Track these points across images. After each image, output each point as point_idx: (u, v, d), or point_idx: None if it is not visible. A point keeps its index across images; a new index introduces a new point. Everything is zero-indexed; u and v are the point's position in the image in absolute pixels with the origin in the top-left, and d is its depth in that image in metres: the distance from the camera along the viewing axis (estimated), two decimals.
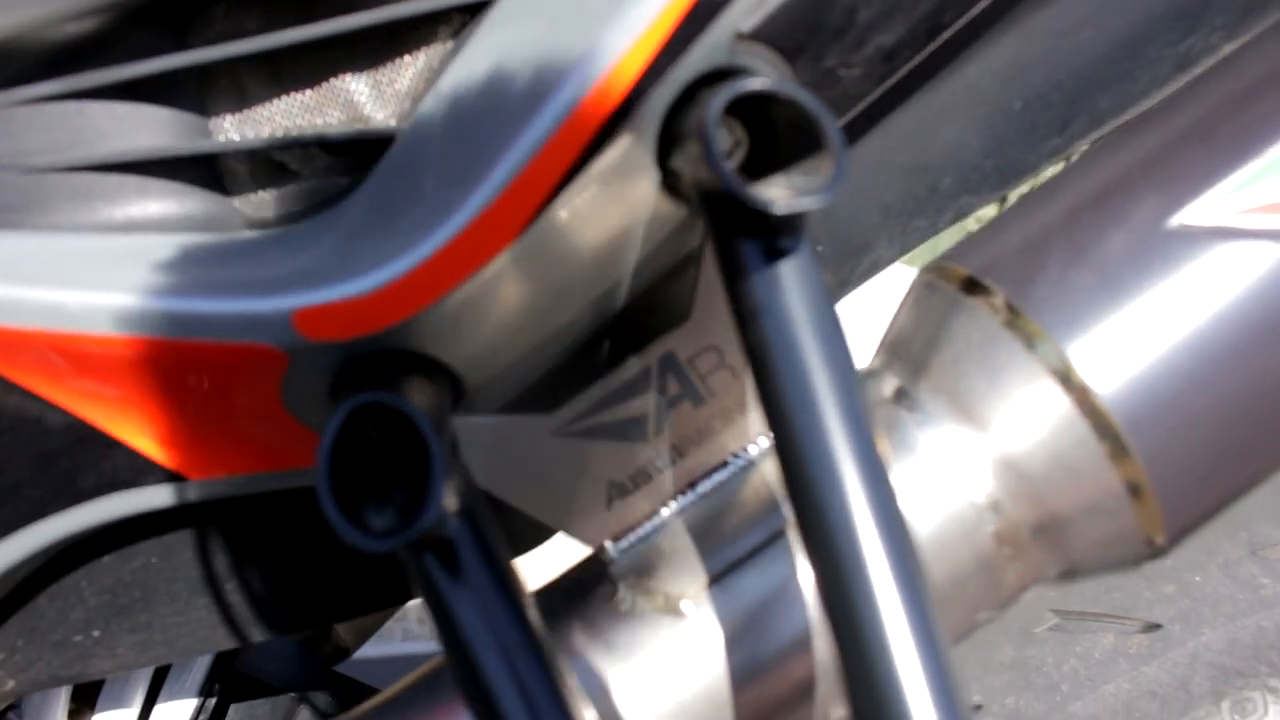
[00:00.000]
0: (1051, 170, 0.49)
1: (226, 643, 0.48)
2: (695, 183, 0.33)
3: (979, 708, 0.65)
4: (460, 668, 0.33)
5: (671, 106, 0.33)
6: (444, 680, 0.42)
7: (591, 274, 0.38)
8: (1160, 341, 0.39)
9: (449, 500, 0.31)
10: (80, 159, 0.39)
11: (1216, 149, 0.41)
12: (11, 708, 0.61)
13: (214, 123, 0.41)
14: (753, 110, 0.33)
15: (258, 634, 0.48)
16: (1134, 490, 0.39)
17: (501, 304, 0.36)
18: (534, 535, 0.50)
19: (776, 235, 0.31)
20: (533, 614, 0.34)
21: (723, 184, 0.29)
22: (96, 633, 0.47)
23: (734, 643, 0.39)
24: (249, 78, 0.41)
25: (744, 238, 0.32)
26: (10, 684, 0.48)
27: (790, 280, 0.32)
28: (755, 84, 0.30)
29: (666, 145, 0.34)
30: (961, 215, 0.47)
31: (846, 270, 0.46)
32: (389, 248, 0.34)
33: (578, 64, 0.32)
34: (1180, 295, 0.39)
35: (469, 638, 0.33)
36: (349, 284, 0.34)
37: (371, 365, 0.35)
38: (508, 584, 0.33)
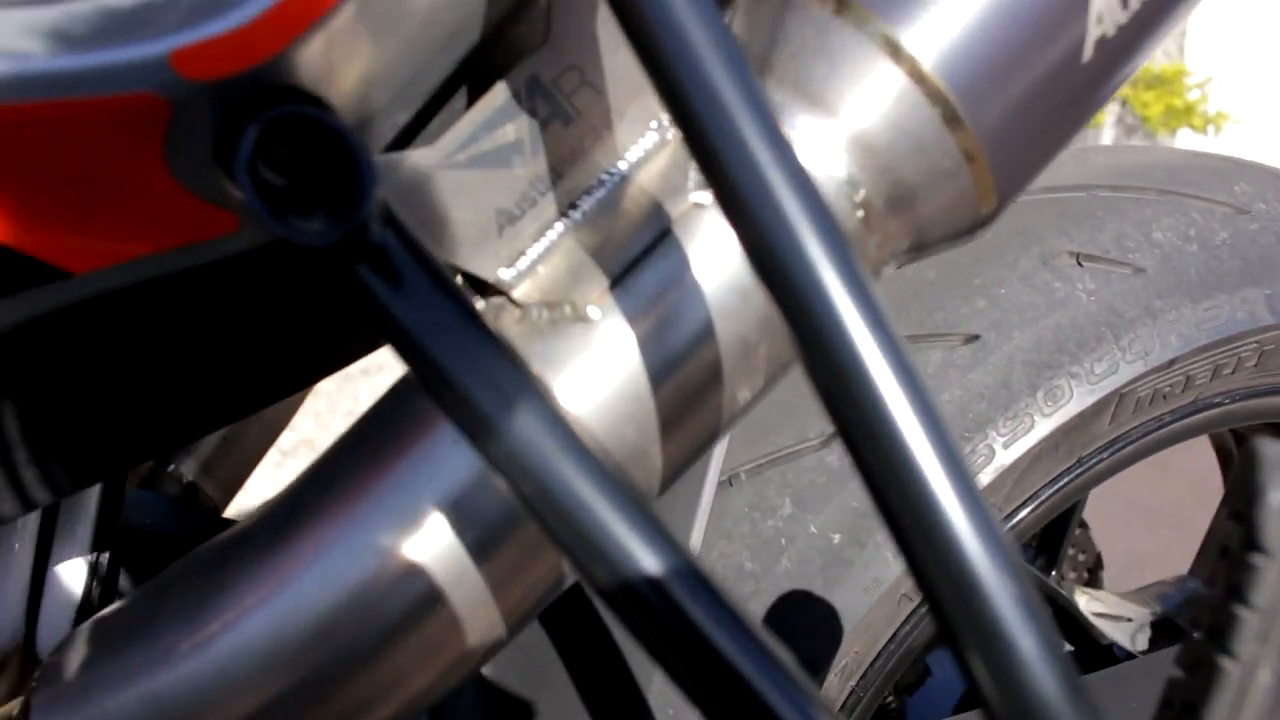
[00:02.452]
0: None
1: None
2: None
3: (834, 436, 0.71)
4: (427, 374, 0.35)
5: None
6: (408, 401, 0.43)
7: (448, 1, 0.39)
8: (975, 14, 0.43)
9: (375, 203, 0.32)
10: None
11: None
12: None
13: None
14: None
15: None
16: (968, 155, 0.44)
17: (370, 34, 0.37)
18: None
19: None
20: (481, 320, 0.36)
21: None
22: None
23: (644, 337, 0.42)
24: None
25: None
26: None
27: None
28: None
29: None
30: None
31: None
32: None
33: None
34: None
35: (427, 341, 0.34)
36: (225, 18, 0.34)
37: (253, 105, 0.35)
38: (448, 284, 0.35)
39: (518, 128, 0.41)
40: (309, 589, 0.42)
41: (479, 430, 0.36)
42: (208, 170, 0.38)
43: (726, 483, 0.72)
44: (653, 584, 0.36)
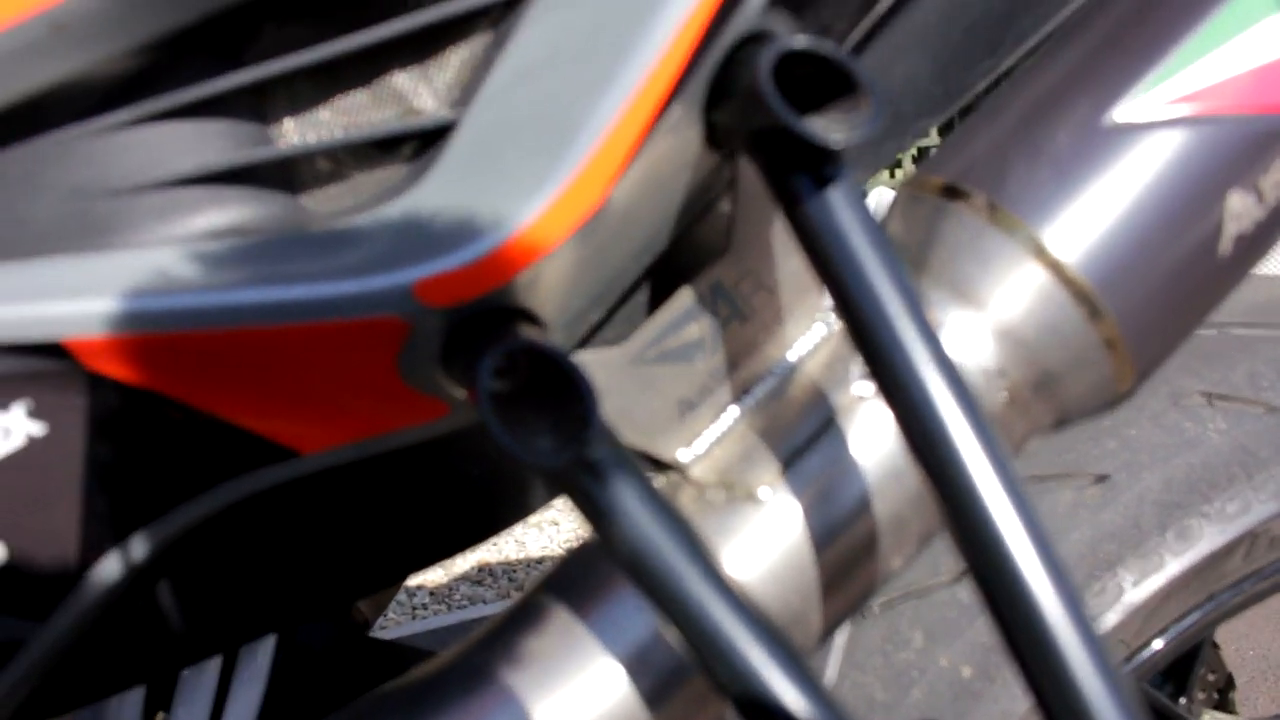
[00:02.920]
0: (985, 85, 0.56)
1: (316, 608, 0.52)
2: (744, 129, 0.39)
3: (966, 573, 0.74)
4: (619, 550, 0.39)
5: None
6: (592, 563, 0.48)
7: (646, 221, 0.44)
8: (1116, 218, 0.47)
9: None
10: (158, 178, 0.43)
11: (1130, 53, 0.49)
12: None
13: (275, 129, 0.45)
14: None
15: (340, 596, 0.53)
16: (1109, 344, 0.48)
17: (585, 257, 0.42)
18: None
19: (823, 166, 0.38)
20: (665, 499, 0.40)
21: (784, 125, 0.36)
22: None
23: (808, 515, 0.46)
24: (303, 86, 0.45)
25: (798, 172, 0.38)
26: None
27: (839, 201, 0.38)
28: (798, 42, 0.36)
29: (710, 102, 0.41)
30: (920, 136, 0.54)
31: None
32: (493, 214, 0.40)
33: (643, 37, 0.38)
34: (1125, 179, 0.47)
35: (636, 541, 0.39)
36: (461, 252, 0.39)
37: (478, 324, 0.41)
38: (655, 492, 0.39)
39: (700, 327, 0.46)
40: None
41: (658, 594, 0.40)
42: (434, 372, 0.43)
43: (860, 616, 0.74)
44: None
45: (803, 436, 0.46)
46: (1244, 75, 0.48)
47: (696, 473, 0.47)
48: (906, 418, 0.41)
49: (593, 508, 0.38)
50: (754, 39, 0.39)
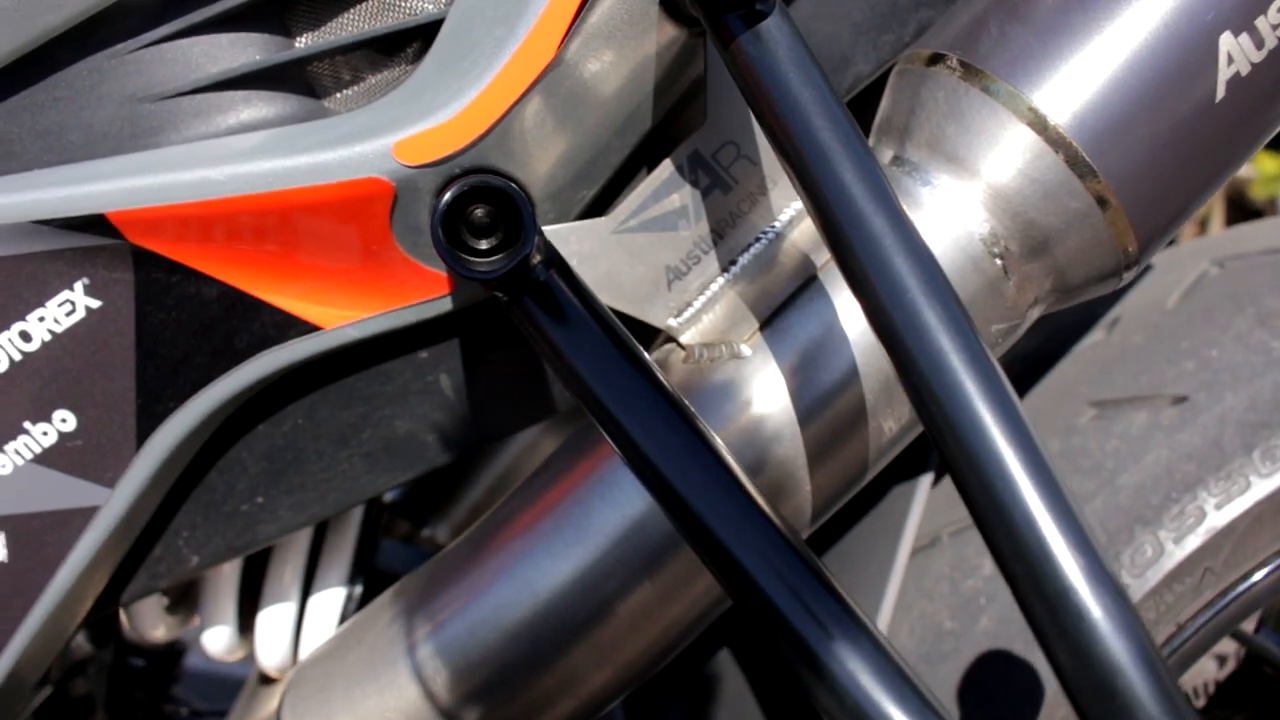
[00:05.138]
0: None
1: (370, 489, 0.56)
2: None
3: None
4: (592, 407, 0.42)
5: None
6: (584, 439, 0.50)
7: (621, 93, 0.47)
8: (1096, 66, 0.46)
9: (537, 246, 0.39)
10: (196, 82, 0.49)
11: None
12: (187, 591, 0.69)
13: (299, 41, 0.51)
14: None
15: (399, 471, 0.56)
16: (1101, 201, 0.47)
17: (554, 121, 0.45)
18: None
19: (753, 1, 0.40)
20: (631, 341, 0.42)
21: None
22: (260, 499, 0.56)
23: (791, 370, 0.47)
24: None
25: (729, 13, 0.40)
26: (194, 560, 0.57)
27: (773, 36, 0.40)
28: None
29: None
30: (923, 27, 0.55)
31: (834, 85, 0.54)
32: (460, 83, 0.43)
33: None
34: (1106, 27, 0.46)
35: (585, 371, 0.41)
36: (434, 115, 0.43)
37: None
38: (606, 319, 0.41)
39: (682, 196, 0.48)
40: (499, 597, 0.49)
41: (637, 461, 0.42)
42: (426, 239, 0.47)
43: (929, 544, 0.73)
44: (788, 598, 0.41)
45: (782, 296, 0.48)
46: None
47: (686, 337, 0.49)
48: (869, 303, 0.40)
49: (540, 335, 0.41)
50: None
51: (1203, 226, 2.38)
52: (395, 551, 0.79)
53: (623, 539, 0.47)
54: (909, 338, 0.39)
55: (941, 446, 0.38)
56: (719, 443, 0.41)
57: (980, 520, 0.37)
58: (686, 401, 0.43)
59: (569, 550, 0.48)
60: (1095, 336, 0.80)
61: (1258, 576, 0.74)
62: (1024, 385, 0.80)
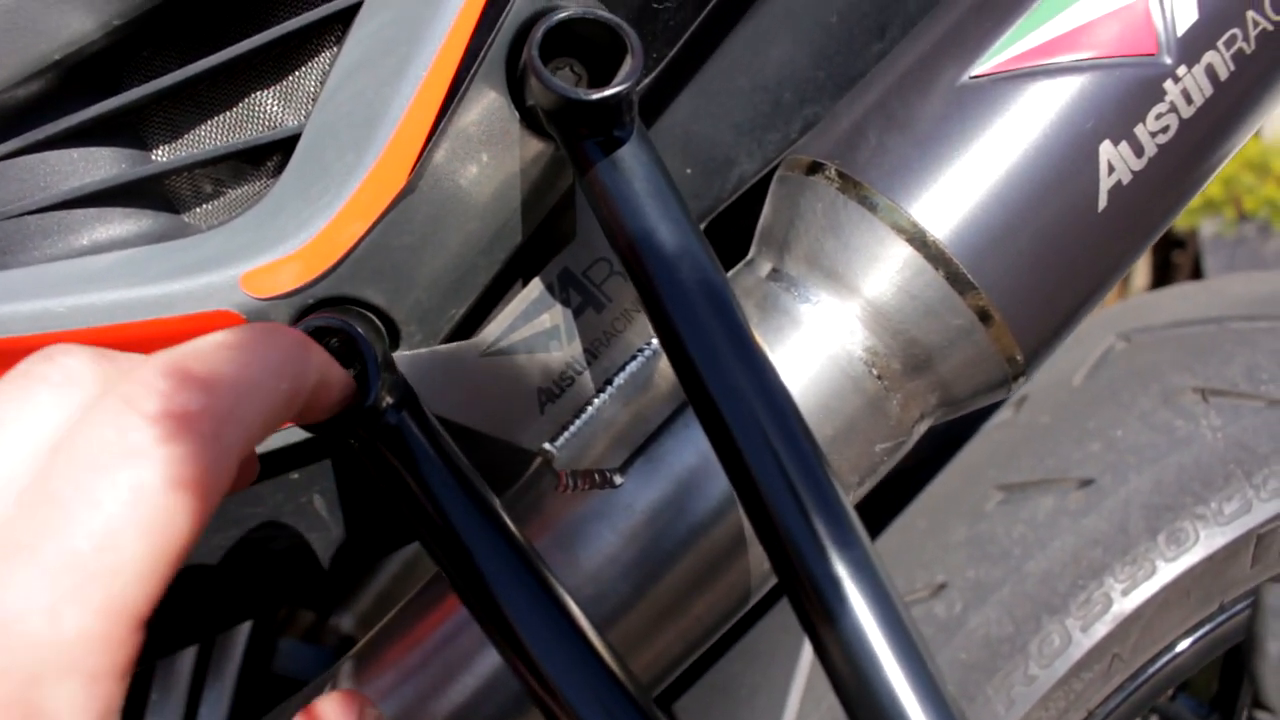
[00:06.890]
0: None
1: (246, 613, 0.54)
2: (546, 111, 0.40)
3: (944, 586, 0.71)
4: (430, 547, 0.40)
5: (510, 51, 0.40)
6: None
7: (486, 211, 0.45)
8: (974, 177, 0.45)
9: (387, 391, 0.38)
10: (43, 200, 0.46)
11: (990, 16, 0.48)
12: None
13: (155, 154, 0.48)
14: (581, 46, 0.40)
15: (276, 595, 0.54)
16: (984, 316, 0.46)
17: (414, 244, 0.43)
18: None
19: (610, 128, 0.38)
20: (482, 486, 0.40)
21: (555, 91, 0.37)
22: None
23: (666, 501, 0.45)
24: (175, 110, 0.48)
25: (585, 139, 0.39)
26: None
27: (628, 165, 0.39)
28: (563, 13, 0.37)
29: (520, 90, 0.42)
30: (810, 124, 0.54)
31: (716, 187, 0.53)
32: (312, 209, 0.41)
33: (425, 35, 0.39)
34: (983, 137, 0.45)
35: (430, 522, 0.39)
36: (285, 244, 0.41)
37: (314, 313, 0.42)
38: (455, 462, 0.39)
39: (553, 316, 0.47)
40: None
41: (481, 614, 0.40)
42: None
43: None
44: None
45: (657, 420, 0.46)
46: (1103, 18, 0.46)
47: (560, 463, 0.47)
48: (721, 449, 0.39)
49: (389, 479, 0.39)
50: (542, 16, 0.40)
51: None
52: (295, 653, 0.76)
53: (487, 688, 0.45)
54: (763, 490, 0.38)
55: (792, 600, 0.37)
56: (567, 599, 0.39)
57: (833, 678, 0.36)
58: (540, 553, 0.41)
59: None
60: (1003, 415, 0.79)
61: (1161, 663, 0.73)
62: (932, 465, 0.79)
